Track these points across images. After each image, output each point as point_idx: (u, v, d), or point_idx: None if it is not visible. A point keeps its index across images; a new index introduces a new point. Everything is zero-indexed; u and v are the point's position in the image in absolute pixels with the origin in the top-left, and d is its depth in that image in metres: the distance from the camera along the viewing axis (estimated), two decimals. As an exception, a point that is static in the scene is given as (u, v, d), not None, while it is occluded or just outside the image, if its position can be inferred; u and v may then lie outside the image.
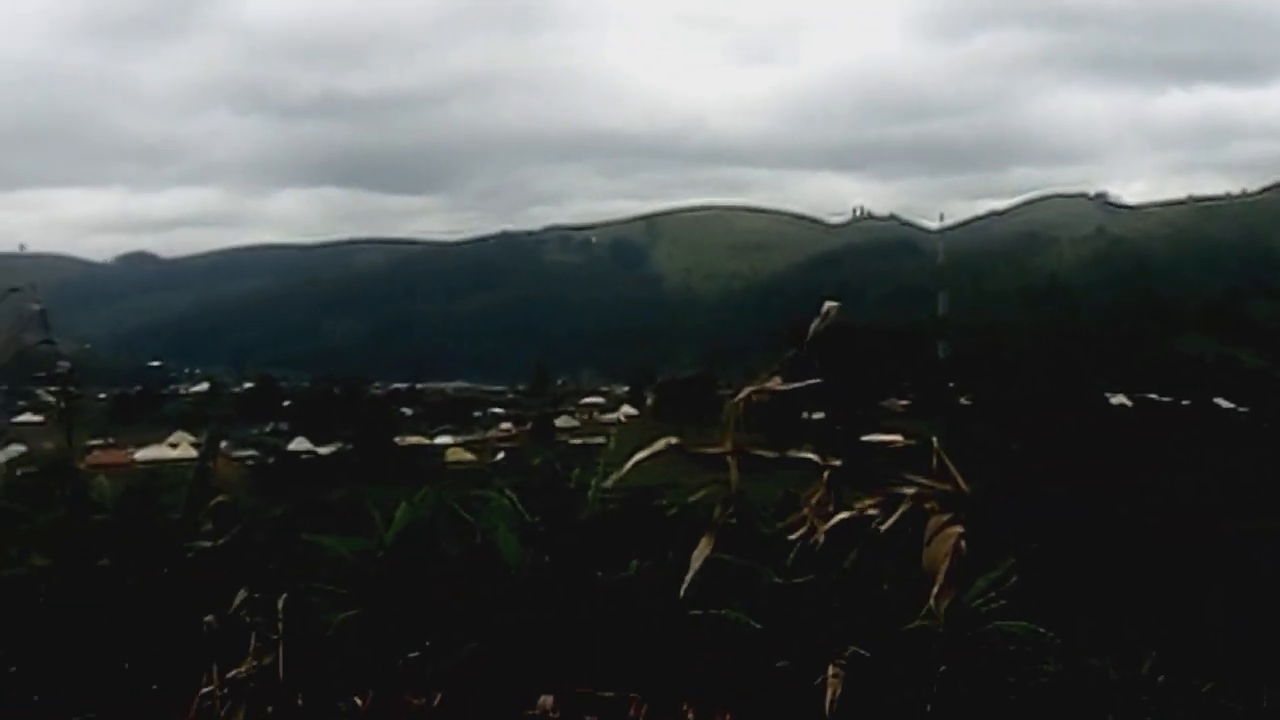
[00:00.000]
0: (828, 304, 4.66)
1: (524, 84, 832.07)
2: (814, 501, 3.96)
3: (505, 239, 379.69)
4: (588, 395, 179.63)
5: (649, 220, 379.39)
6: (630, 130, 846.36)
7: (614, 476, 4.45)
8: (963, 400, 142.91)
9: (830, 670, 5.16)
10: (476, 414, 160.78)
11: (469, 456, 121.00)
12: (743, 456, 3.89)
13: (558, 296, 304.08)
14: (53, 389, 6.11)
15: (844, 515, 3.84)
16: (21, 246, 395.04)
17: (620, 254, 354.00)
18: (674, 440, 3.95)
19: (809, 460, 3.90)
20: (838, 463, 3.85)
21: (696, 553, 3.91)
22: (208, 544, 6.59)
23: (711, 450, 3.84)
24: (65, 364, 6.12)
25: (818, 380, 4.18)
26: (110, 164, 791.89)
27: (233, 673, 5.61)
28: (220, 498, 6.95)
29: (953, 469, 3.64)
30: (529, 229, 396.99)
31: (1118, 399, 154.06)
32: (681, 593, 4.36)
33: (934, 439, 3.66)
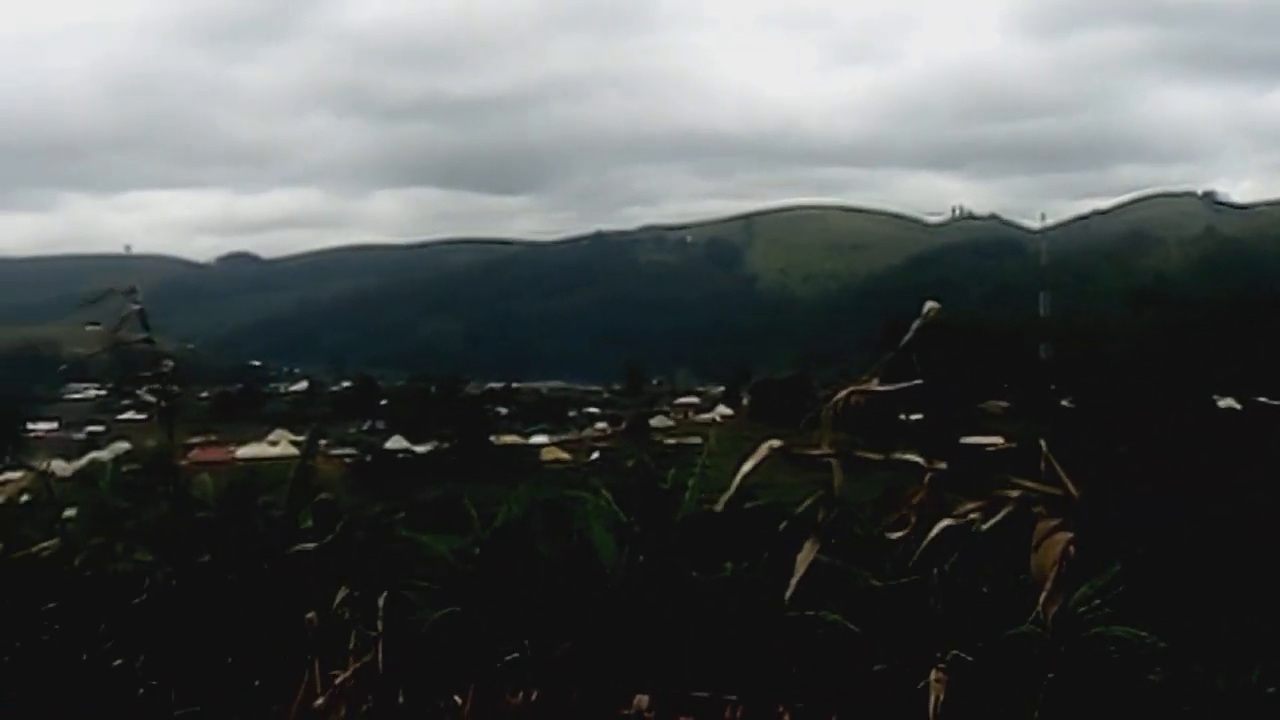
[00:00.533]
0: (929, 304, 4.57)
1: (620, 84, 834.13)
2: (914, 504, 3.88)
3: (600, 239, 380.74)
4: (683, 395, 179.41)
5: (745, 220, 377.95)
6: (726, 130, 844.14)
7: (724, 497, 4.37)
8: (1065, 403, 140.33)
9: (933, 675, 5.06)
10: (571, 413, 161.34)
11: (564, 456, 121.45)
12: (845, 459, 3.82)
13: (653, 296, 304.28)
14: (155, 388, 6.19)
15: (948, 520, 3.75)
16: (127, 248, 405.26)
17: (716, 254, 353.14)
18: (776, 443, 3.88)
19: (912, 463, 3.81)
20: (943, 466, 3.75)
21: (801, 556, 3.84)
22: (309, 542, 6.65)
23: (815, 453, 3.77)
24: (168, 363, 6.21)
25: (919, 382, 4.10)
26: (213, 166, 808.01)
27: (334, 669, 5.65)
28: (323, 495, 7.02)
29: (1062, 473, 3.54)
30: (624, 229, 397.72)
31: (1225, 402, 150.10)
32: (787, 597, 4.30)
33: (1042, 442, 3.56)
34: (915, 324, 4.63)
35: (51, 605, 6.04)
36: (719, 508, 6.96)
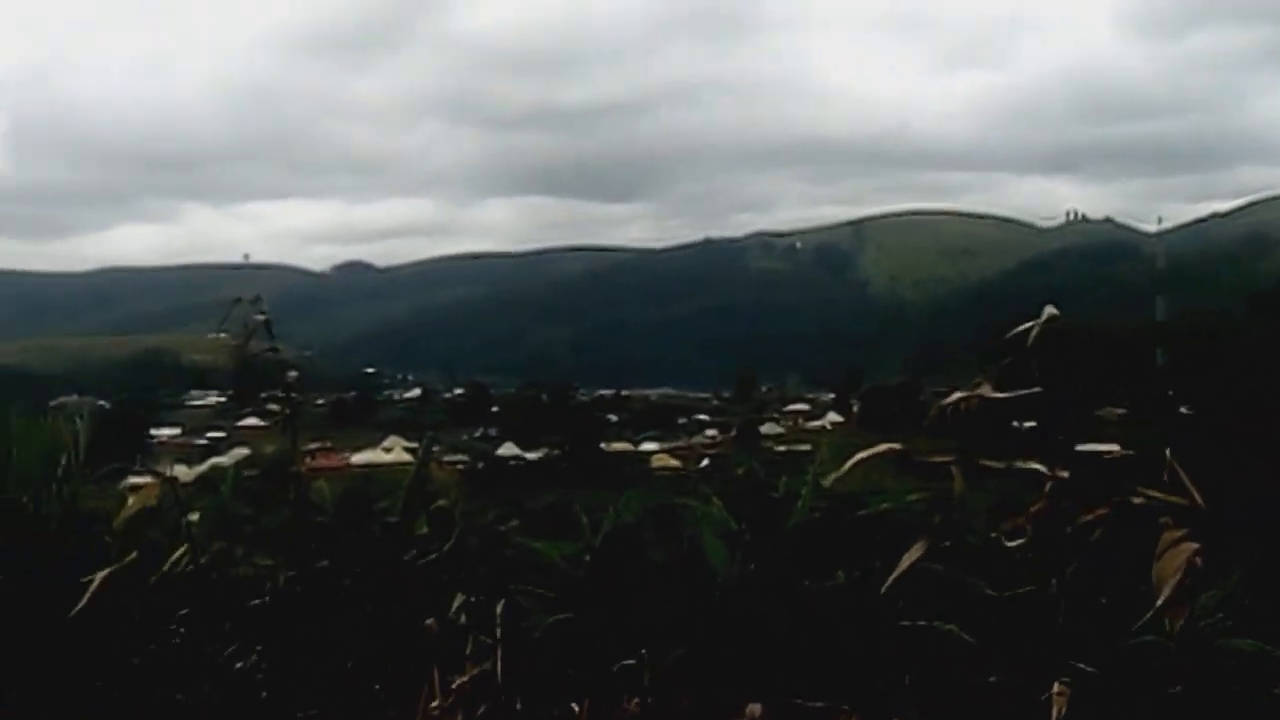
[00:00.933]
0: (1047, 309, 4.48)
1: (731, 90, 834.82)
2: (1033, 512, 3.81)
3: (709, 246, 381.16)
4: (793, 402, 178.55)
5: (855, 225, 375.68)
6: (837, 135, 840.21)
7: (832, 475, 4.35)
8: (1183, 409, 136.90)
9: (1056, 687, 4.96)
10: (681, 420, 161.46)
11: (674, 463, 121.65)
12: (967, 466, 3.77)
13: (762, 303, 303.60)
14: (279, 396, 6.33)
15: (1069, 528, 3.68)
16: (246, 257, 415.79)
17: (825, 260, 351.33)
18: (897, 445, 3.84)
19: (1033, 471, 3.74)
20: (1065, 474, 3.68)
21: (908, 554, 3.80)
22: (427, 548, 6.74)
23: (937, 459, 3.72)
24: (293, 373, 6.34)
25: (1037, 388, 4.02)
26: (329, 176, 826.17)
27: (451, 675, 5.72)
28: (440, 502, 7.10)
29: (1187, 482, 3.45)
30: (733, 236, 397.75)
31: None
32: (883, 589, 4.25)
33: (1166, 450, 3.47)
34: (1033, 329, 4.55)
35: (183, 611, 6.20)
36: (827, 483, 6.91)
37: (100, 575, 5.82)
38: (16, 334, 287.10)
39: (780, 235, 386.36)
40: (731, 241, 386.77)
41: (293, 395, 6.38)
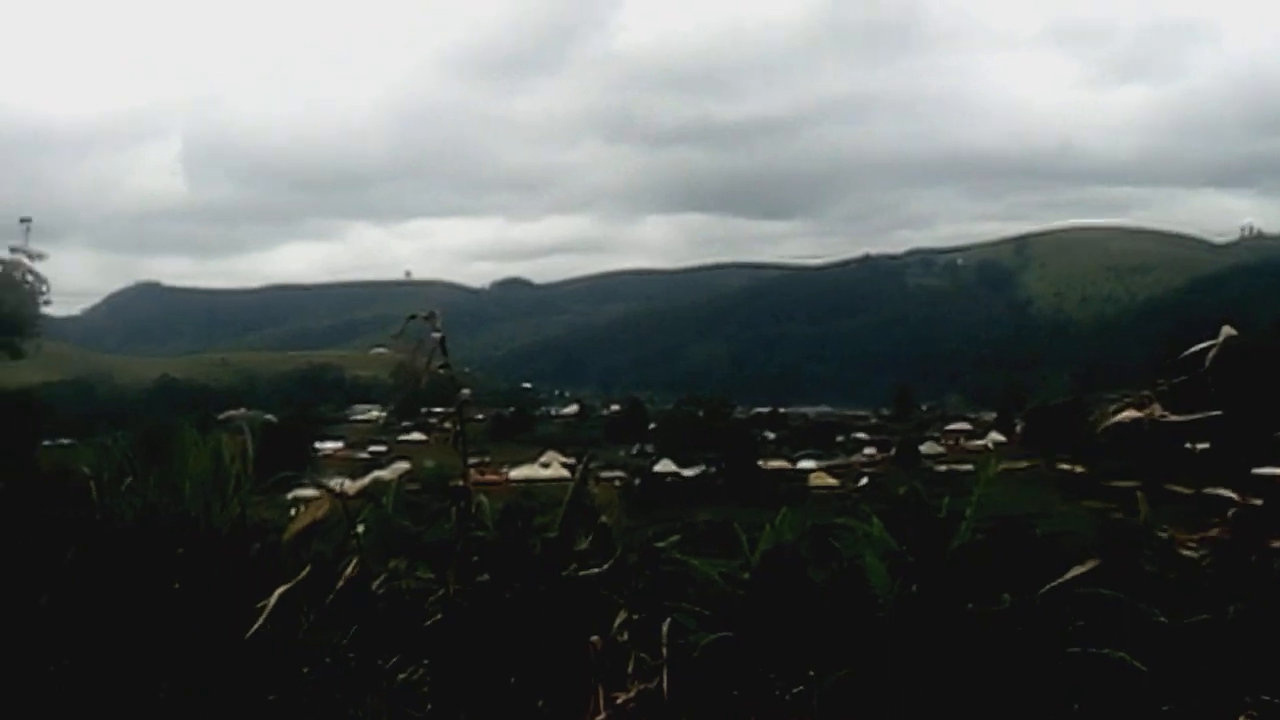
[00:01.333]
0: (1225, 329, 4.32)
1: (892, 106, 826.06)
2: (1213, 537, 3.66)
3: (869, 262, 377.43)
4: (953, 421, 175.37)
5: (1018, 242, 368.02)
6: (1000, 150, 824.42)
7: (987, 474, 4.22)
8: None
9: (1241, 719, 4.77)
10: (839, 439, 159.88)
11: (832, 482, 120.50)
12: (1152, 492, 3.65)
13: (922, 320, 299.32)
14: (451, 413, 6.45)
15: (1257, 554, 3.54)
16: (407, 274, 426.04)
17: (988, 276, 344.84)
18: (1067, 466, 3.74)
19: (1222, 498, 3.60)
20: (1258, 501, 3.53)
21: (1077, 568, 3.69)
22: (587, 564, 6.79)
23: (1120, 484, 3.61)
24: (466, 392, 6.46)
25: (1215, 410, 3.87)
26: (489, 194, 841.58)
27: (615, 693, 5.74)
28: (603, 519, 7.15)
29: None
30: (893, 252, 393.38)
31: None
32: (1046, 602, 4.13)
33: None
34: (1211, 349, 4.39)
35: (351, 623, 6.35)
36: (991, 472, 6.77)
37: (277, 592, 5.98)
38: (188, 349, 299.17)
39: (941, 252, 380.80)
40: (891, 258, 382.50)
41: (464, 413, 6.50)
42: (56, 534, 6.82)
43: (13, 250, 7.92)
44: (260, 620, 5.93)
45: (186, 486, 6.89)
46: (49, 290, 8.07)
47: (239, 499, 6.91)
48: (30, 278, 7.97)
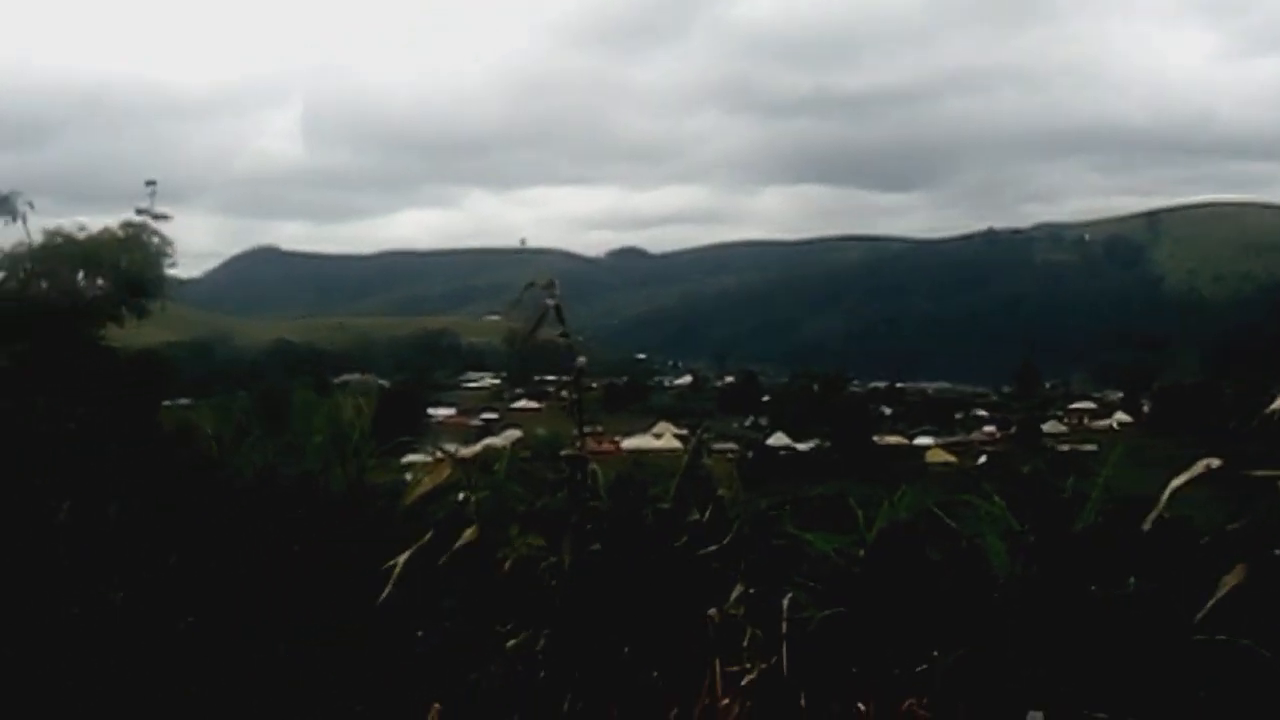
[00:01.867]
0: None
1: (1019, 77, 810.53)
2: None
3: (992, 236, 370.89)
4: (1077, 400, 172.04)
5: (1150, 217, 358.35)
6: (1132, 123, 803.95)
7: (1151, 515, 4.05)
8: None
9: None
10: (958, 415, 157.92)
11: (949, 458, 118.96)
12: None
13: (1047, 296, 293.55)
14: (568, 381, 6.44)
15: None
16: (522, 242, 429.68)
17: (1117, 253, 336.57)
18: (1215, 462, 3.57)
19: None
20: None
21: (1228, 578, 3.53)
22: (700, 536, 6.75)
23: (1264, 473, 3.42)
24: (582, 360, 6.44)
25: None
26: (607, 163, 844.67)
27: (729, 667, 5.69)
28: (721, 491, 7.10)
29: None
30: (1018, 226, 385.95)
31: None
32: (1198, 618, 3.98)
33: None
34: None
35: (467, 589, 6.38)
36: (1146, 526, 6.56)
37: (402, 557, 6.03)
38: (305, 312, 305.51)
39: (1068, 226, 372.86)
40: (1016, 232, 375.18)
41: (581, 381, 6.48)
42: (180, 492, 6.96)
43: (139, 212, 8.09)
44: (388, 586, 5.98)
45: (307, 448, 6.98)
46: (174, 252, 8.23)
47: (358, 462, 6.97)
48: (156, 239, 8.13)
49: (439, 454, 6.91)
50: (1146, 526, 6.49)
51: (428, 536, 6.27)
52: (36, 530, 6.49)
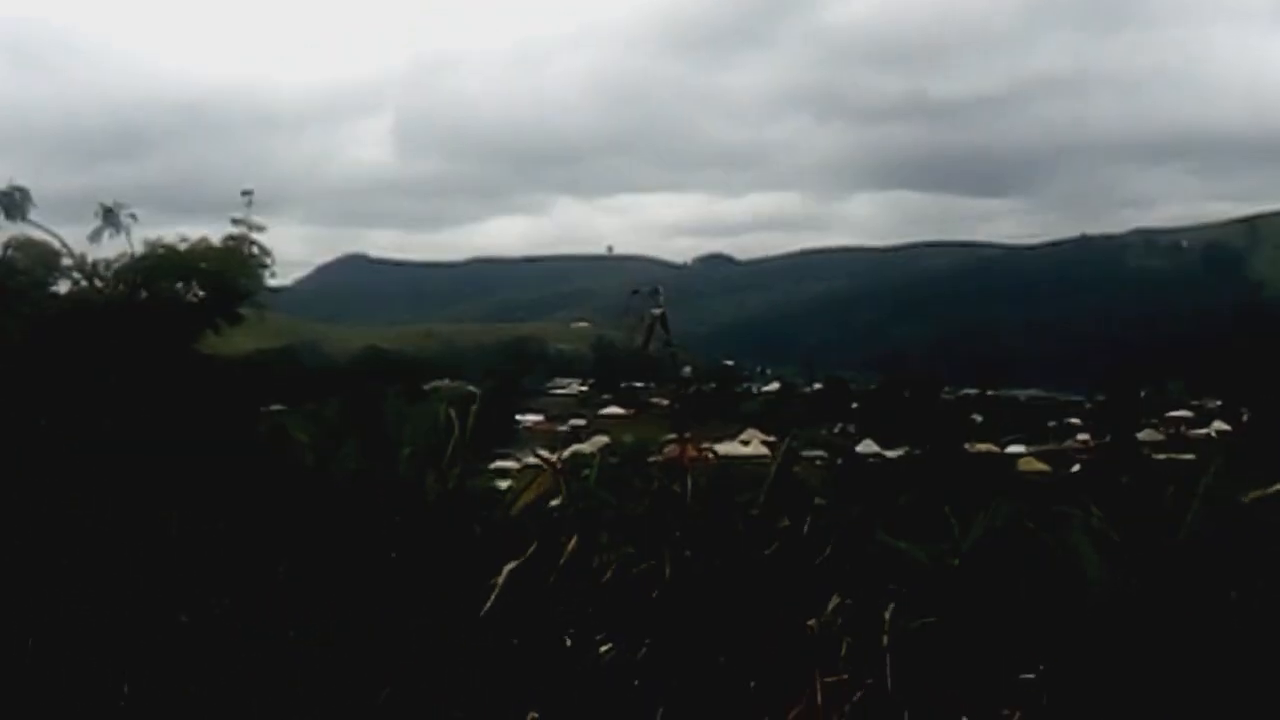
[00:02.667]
0: None
1: (1115, 82, 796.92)
2: None
3: (1085, 243, 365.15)
4: (1174, 408, 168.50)
5: (1249, 223, 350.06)
6: (1231, 128, 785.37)
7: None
8: None
9: None
10: (1051, 423, 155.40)
11: (1042, 467, 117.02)
12: None
13: (1142, 303, 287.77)
14: (671, 389, 6.44)
15: None
16: (609, 249, 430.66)
17: (1214, 259, 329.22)
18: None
19: None
20: None
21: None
22: (790, 543, 6.71)
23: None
24: (687, 369, 6.44)
25: None
26: (694, 170, 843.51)
27: (832, 678, 5.65)
28: (818, 501, 7.06)
29: None
30: (1112, 232, 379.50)
31: None
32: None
33: None
34: None
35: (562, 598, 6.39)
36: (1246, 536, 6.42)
37: (506, 569, 6.05)
38: (394, 319, 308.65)
39: (1164, 232, 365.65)
40: (1110, 238, 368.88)
41: (684, 390, 6.49)
42: (276, 500, 7.04)
43: (235, 222, 8.23)
44: (492, 598, 6.01)
45: (402, 455, 7.02)
46: (272, 262, 8.35)
47: (454, 468, 7.01)
48: (253, 249, 8.26)
49: (533, 460, 6.95)
50: (1247, 536, 6.35)
51: (532, 549, 6.28)
52: (147, 540, 6.60)
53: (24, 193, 7.97)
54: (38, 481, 6.93)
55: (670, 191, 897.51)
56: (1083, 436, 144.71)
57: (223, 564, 6.58)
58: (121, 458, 7.09)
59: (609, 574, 6.47)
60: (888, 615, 5.92)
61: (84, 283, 7.96)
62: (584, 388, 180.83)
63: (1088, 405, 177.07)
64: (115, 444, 7.17)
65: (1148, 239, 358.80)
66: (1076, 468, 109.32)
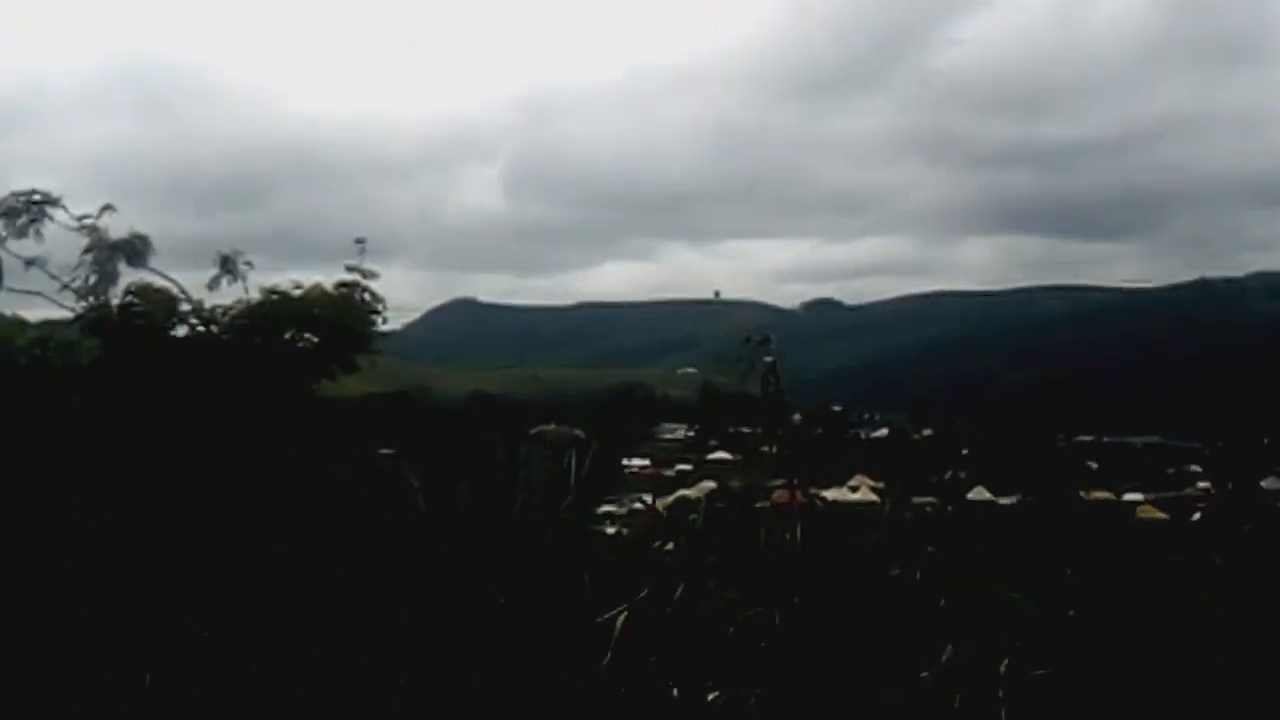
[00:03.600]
0: None
1: (1234, 122, 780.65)
2: None
3: (1205, 286, 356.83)
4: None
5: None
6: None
7: None
8: None
9: None
10: (1170, 470, 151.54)
11: (1160, 515, 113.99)
12: None
13: (1264, 347, 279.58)
14: (778, 435, 6.43)
15: None
16: (716, 294, 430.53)
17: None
18: None
19: None
20: None
21: None
22: (903, 591, 6.63)
23: None
24: (796, 416, 6.43)
25: None
26: (805, 215, 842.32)
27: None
28: (929, 549, 6.98)
29: None
30: (1233, 275, 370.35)
31: None
32: None
33: None
34: None
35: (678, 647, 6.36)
36: None
37: (621, 616, 6.04)
38: (502, 363, 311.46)
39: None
40: (1230, 281, 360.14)
41: (792, 436, 6.47)
42: (393, 544, 7.11)
43: (349, 269, 8.38)
44: (611, 646, 6.00)
45: (517, 499, 7.07)
46: (385, 309, 8.49)
47: (566, 512, 7.04)
48: (366, 296, 8.41)
49: (639, 505, 6.96)
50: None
51: (643, 595, 6.27)
52: (268, 584, 6.70)
53: (144, 240, 8.20)
54: (156, 522, 7.10)
55: (780, 237, 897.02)
56: (1203, 484, 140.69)
57: (342, 611, 6.65)
58: (243, 501, 7.23)
59: (717, 621, 6.43)
60: (1003, 668, 5.80)
61: (201, 328, 8.16)
62: (691, 433, 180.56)
63: (1207, 453, 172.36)
64: (237, 489, 7.31)
65: (1270, 282, 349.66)
66: (1197, 516, 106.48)
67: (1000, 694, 5.65)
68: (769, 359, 6.27)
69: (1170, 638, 6.90)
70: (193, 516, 6.79)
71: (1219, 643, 6.58)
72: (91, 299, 8.03)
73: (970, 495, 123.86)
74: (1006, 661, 5.85)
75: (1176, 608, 7.09)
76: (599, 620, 6.09)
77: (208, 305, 8.25)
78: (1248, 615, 6.70)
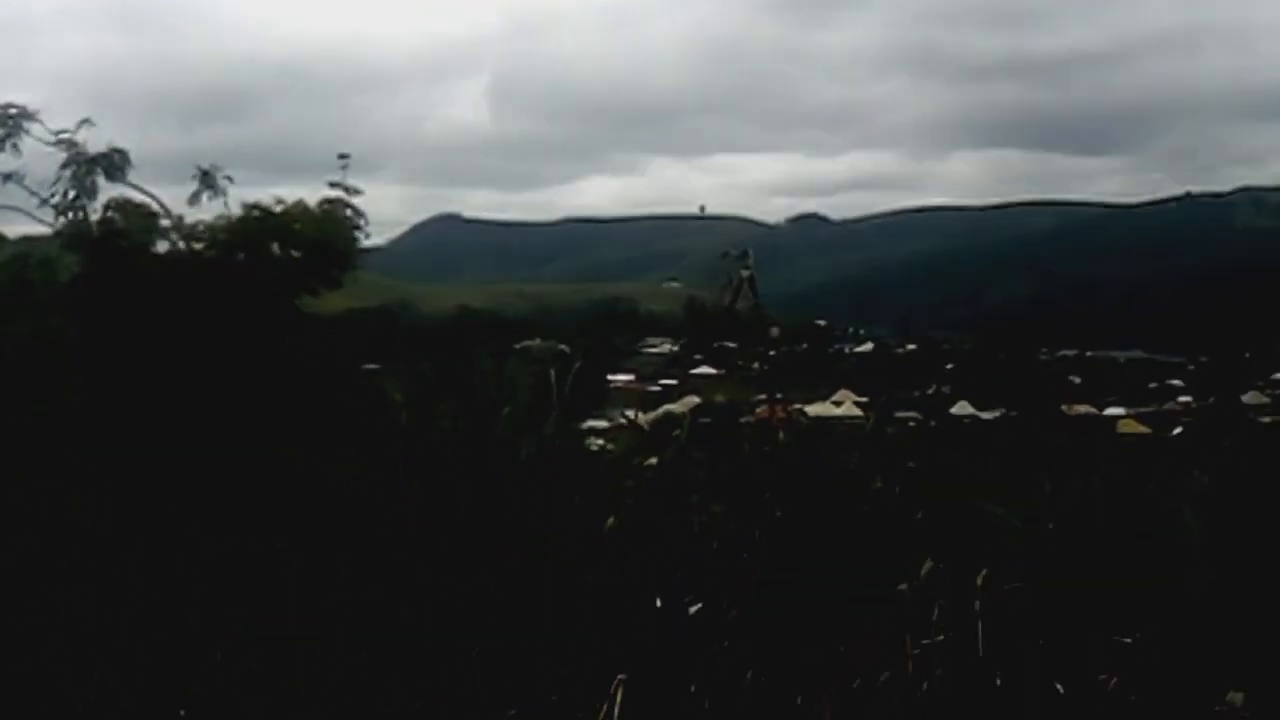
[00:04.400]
0: None
1: (1223, 37, 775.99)
2: None
3: (1191, 201, 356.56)
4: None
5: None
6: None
7: None
8: None
9: None
10: (1152, 385, 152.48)
11: (1142, 429, 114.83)
12: None
13: (1248, 262, 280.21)
14: (759, 350, 6.43)
15: None
16: (701, 209, 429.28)
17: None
18: None
19: None
20: None
21: None
22: (885, 505, 6.68)
23: None
24: (775, 330, 6.44)
25: None
26: (790, 130, 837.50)
27: (923, 641, 5.61)
28: (910, 463, 7.02)
29: None
30: (1218, 190, 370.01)
31: None
32: None
33: None
34: None
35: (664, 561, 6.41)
36: None
37: (606, 527, 6.07)
38: (486, 279, 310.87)
39: (1274, 190, 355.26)
40: (1216, 197, 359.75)
41: (773, 351, 6.48)
42: (375, 456, 7.13)
43: (332, 185, 8.31)
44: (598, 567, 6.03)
45: (500, 414, 7.08)
46: (367, 225, 8.43)
47: (549, 427, 7.05)
48: (349, 212, 8.35)
49: (622, 419, 6.98)
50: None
51: (628, 507, 6.32)
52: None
53: (123, 154, 8.10)
54: (135, 441, 7.09)
55: (766, 151, 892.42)
56: (1185, 399, 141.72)
57: (329, 523, 6.69)
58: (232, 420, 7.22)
59: (699, 534, 6.48)
60: (980, 579, 5.85)
61: (181, 244, 8.09)
62: (675, 348, 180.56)
63: (1190, 367, 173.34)
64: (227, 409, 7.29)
65: (1256, 197, 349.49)
66: (1178, 430, 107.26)
67: (976, 606, 5.71)
68: (746, 272, 6.24)
69: (1148, 563, 6.96)
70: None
71: (1197, 570, 6.65)
72: (70, 214, 7.95)
73: (953, 410, 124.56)
74: (984, 573, 5.91)
75: (1155, 534, 7.15)
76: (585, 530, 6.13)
77: (189, 221, 8.18)
78: (1226, 539, 6.76)
